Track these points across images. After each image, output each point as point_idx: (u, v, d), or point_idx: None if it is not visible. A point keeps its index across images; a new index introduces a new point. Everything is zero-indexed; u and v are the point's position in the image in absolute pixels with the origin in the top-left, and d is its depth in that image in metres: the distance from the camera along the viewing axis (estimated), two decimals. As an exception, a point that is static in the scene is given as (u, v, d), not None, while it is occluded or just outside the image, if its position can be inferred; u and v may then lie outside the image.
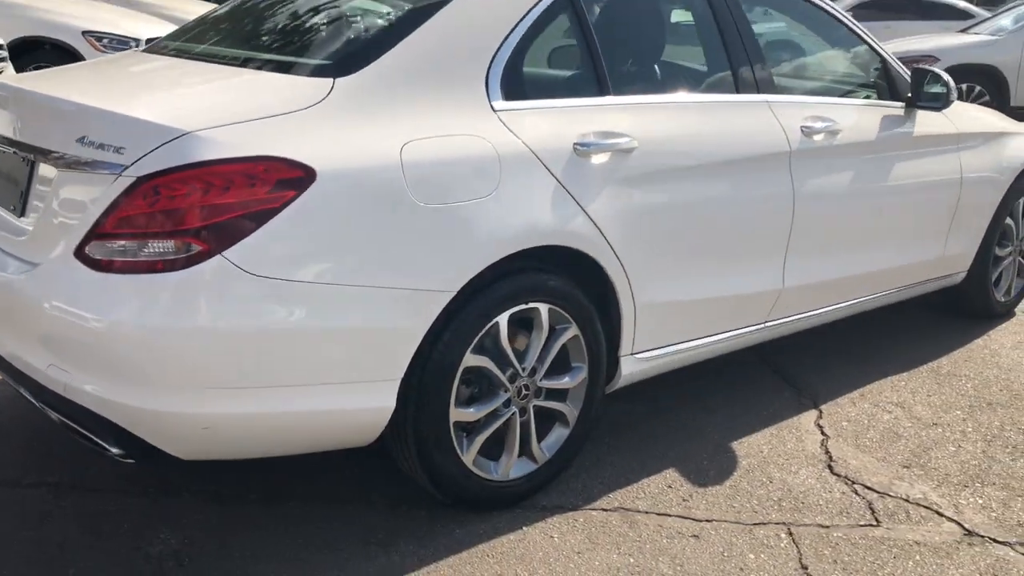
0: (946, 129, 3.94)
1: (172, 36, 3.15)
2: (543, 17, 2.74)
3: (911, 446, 3.24)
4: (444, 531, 2.60)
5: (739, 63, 3.19)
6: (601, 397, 2.91)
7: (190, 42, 2.98)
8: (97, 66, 3.18)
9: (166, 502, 2.68)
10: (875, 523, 2.76)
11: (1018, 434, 3.37)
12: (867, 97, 3.77)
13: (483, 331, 2.52)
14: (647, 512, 2.75)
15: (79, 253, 2.18)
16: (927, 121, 3.84)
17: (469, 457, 2.59)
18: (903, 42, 12.21)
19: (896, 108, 3.73)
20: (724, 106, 3.13)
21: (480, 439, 2.61)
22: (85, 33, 7.99)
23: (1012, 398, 3.67)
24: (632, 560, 2.52)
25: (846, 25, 3.70)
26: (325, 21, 2.88)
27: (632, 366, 2.96)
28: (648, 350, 3.00)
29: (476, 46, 2.59)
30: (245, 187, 2.14)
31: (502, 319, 2.55)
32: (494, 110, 2.54)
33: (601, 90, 2.82)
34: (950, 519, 2.80)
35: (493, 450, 2.69)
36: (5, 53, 6.91)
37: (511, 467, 2.70)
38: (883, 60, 3.77)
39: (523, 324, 2.66)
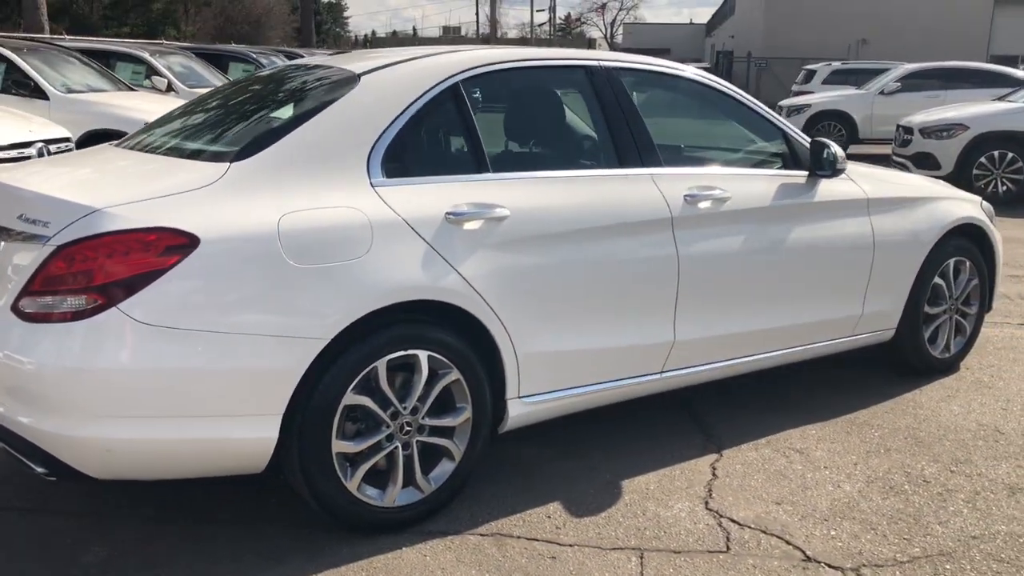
0: (855, 195, 4.25)
1: (136, 132, 3.73)
2: (425, 109, 3.22)
3: (792, 486, 3.50)
4: (332, 550, 2.99)
5: (622, 141, 3.60)
6: (488, 435, 3.28)
7: (142, 135, 3.55)
8: (67, 159, 3.78)
9: (108, 520, 3.15)
10: (725, 550, 3.04)
11: (901, 477, 3.60)
12: (770, 167, 4.11)
13: (363, 374, 2.94)
14: (519, 537, 3.10)
15: (14, 307, 2.70)
16: (833, 189, 4.16)
17: (353, 485, 2.99)
18: (939, 111, 12.37)
19: (796, 176, 4.06)
20: (603, 178, 3.53)
21: (363, 469, 3.01)
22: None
23: (913, 445, 3.90)
24: None
25: (747, 105, 4.09)
26: (238, 117, 3.42)
27: (520, 408, 3.34)
28: (536, 395, 3.37)
29: (360, 134, 3.07)
30: (140, 252, 2.64)
31: (380, 364, 2.97)
32: (373, 187, 3.01)
33: (479, 168, 3.26)
34: (796, 547, 3.06)
35: (381, 479, 3.08)
36: (72, 145, 7.85)
37: (396, 495, 3.09)
38: (784, 134, 4.13)
39: (407, 368, 3.07)
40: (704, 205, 3.70)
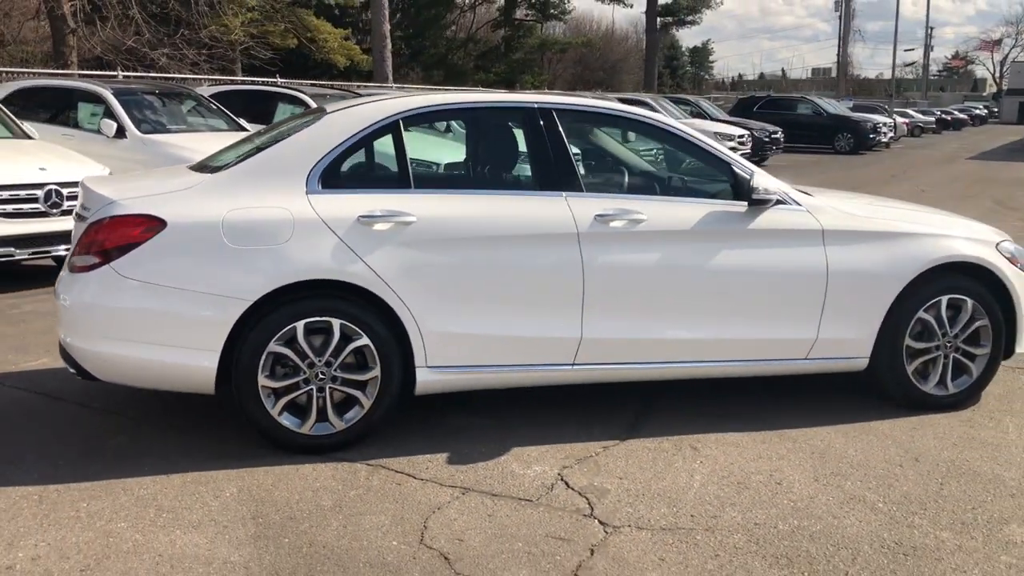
0: (806, 226, 4.58)
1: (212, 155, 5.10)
2: (364, 138, 4.25)
3: (653, 471, 4.02)
4: (258, 457, 4.07)
5: (543, 169, 4.36)
6: (397, 392, 4.20)
7: (207, 158, 4.90)
8: (145, 172, 5.26)
9: (137, 422, 4.50)
10: (532, 500, 3.71)
11: (763, 478, 3.96)
12: (710, 197, 4.59)
13: (284, 330, 4.01)
14: (392, 470, 3.98)
15: (69, 264, 4.13)
16: (778, 219, 4.54)
17: (275, 412, 4.07)
18: None
19: (732, 206, 4.52)
20: (517, 198, 4.31)
21: (282, 401, 4.07)
22: None
23: (816, 458, 4.19)
24: (340, 488, 3.79)
25: (692, 142, 4.63)
26: (247, 145, 4.63)
27: (427, 375, 4.22)
28: (443, 366, 4.23)
29: (307, 156, 4.17)
30: (129, 229, 3.95)
31: (300, 325, 4.03)
32: (306, 195, 4.09)
33: (403, 185, 4.23)
34: (590, 507, 3.65)
35: (302, 412, 4.12)
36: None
37: (311, 426, 4.11)
38: (730, 167, 4.59)
39: (325, 331, 4.09)
40: (616, 224, 4.34)
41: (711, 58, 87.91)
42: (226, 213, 4.00)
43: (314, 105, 11.76)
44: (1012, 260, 4.94)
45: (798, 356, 4.67)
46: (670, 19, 43.87)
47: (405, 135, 4.31)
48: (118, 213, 4.00)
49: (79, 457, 4.07)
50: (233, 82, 16.72)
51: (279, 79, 18.87)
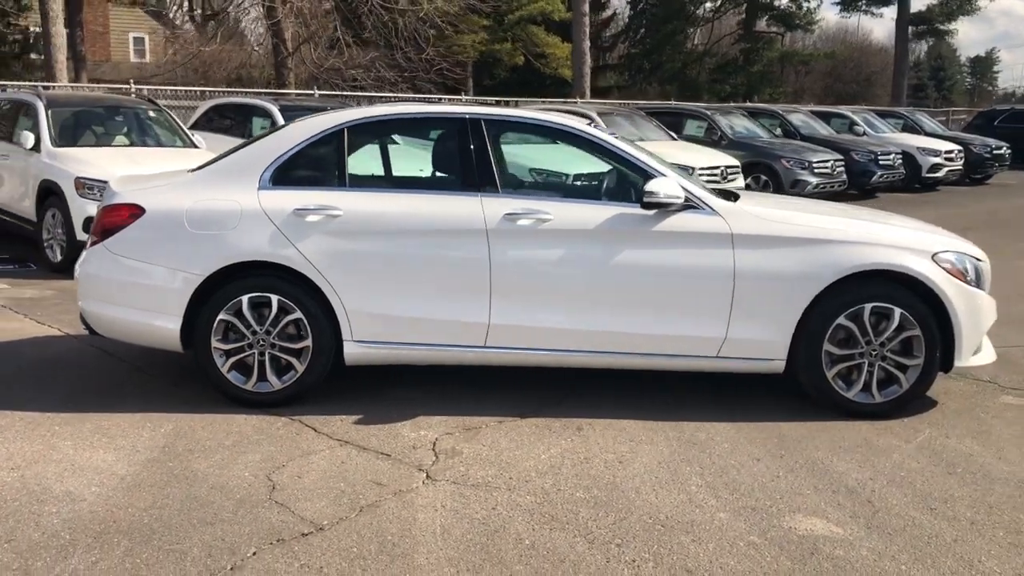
0: (714, 229, 4.82)
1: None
2: (312, 144, 5.01)
3: (520, 444, 4.48)
4: (207, 405, 4.93)
5: (466, 173, 4.92)
6: (327, 361, 4.91)
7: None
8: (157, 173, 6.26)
9: (149, 373, 5.51)
10: (388, 455, 4.30)
11: (600, 466, 4.31)
12: (623, 200, 4.92)
13: (231, 302, 4.86)
14: (307, 426, 4.70)
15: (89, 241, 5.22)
16: (684, 222, 4.82)
17: (224, 370, 4.92)
18: None
19: (636, 208, 4.84)
20: (436, 197, 4.90)
21: (230, 361, 4.91)
22: None
23: (685, 446, 4.46)
24: (249, 433, 4.57)
25: (611, 151, 5.01)
26: (229, 149, 5.51)
27: (354, 348, 4.92)
28: (367, 341, 4.91)
29: (263, 158, 5.00)
30: (120, 214, 4.95)
31: (244, 299, 4.86)
32: (257, 191, 4.92)
33: (340, 185, 4.95)
34: (419, 463, 4.18)
35: (248, 371, 4.94)
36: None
37: (253, 384, 4.93)
38: (641, 173, 4.91)
39: (266, 305, 4.89)
40: (523, 222, 4.82)
41: (995, 68, 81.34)
42: (190, 204, 4.91)
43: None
44: (952, 271, 4.88)
45: (708, 354, 4.90)
46: (924, 27, 41.28)
47: (349, 141, 5.03)
48: (114, 201, 5.03)
49: (83, 394, 5.12)
50: (398, 98, 18.05)
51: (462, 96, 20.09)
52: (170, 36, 35.91)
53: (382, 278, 4.85)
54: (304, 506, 3.75)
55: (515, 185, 5.11)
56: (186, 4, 40.24)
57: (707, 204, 4.90)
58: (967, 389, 5.49)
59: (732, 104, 21.96)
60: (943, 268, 4.86)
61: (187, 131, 10.49)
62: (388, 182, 5.22)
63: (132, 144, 10.03)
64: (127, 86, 16.58)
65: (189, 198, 4.95)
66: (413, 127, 5.38)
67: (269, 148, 5.07)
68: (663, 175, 4.92)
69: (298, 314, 4.87)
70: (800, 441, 4.56)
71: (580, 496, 3.89)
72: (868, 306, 4.83)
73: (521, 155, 5.55)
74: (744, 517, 3.71)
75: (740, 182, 14.47)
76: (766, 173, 15.56)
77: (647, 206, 4.79)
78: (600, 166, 5.18)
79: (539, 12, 31.36)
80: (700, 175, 13.82)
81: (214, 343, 4.89)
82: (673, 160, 13.57)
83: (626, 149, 5.05)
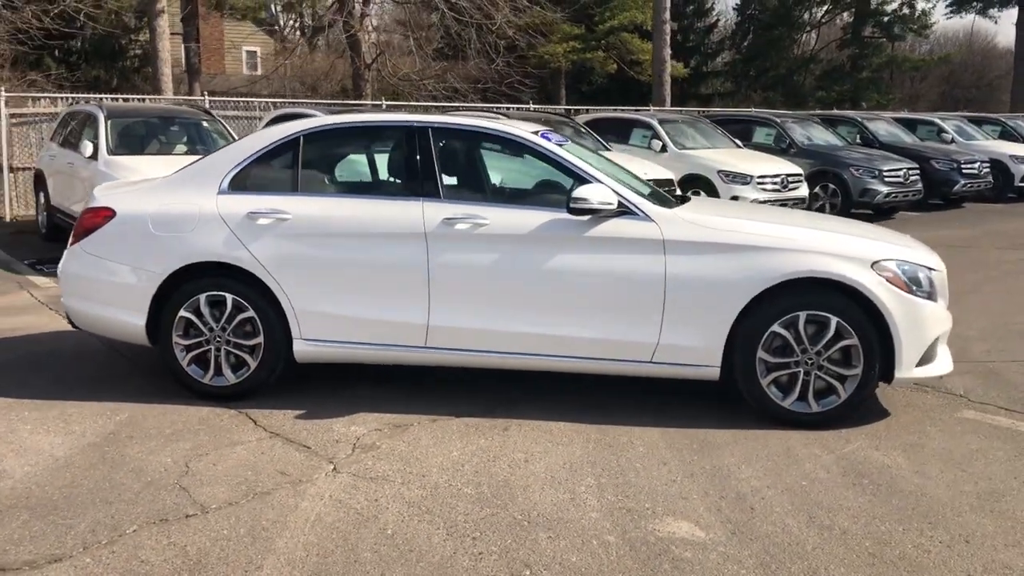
0: (646, 235, 4.86)
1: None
2: (269, 152, 5.29)
3: (443, 444, 4.63)
4: (171, 398, 5.26)
5: (410, 180, 5.11)
6: (277, 357, 5.17)
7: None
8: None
9: (141, 366, 5.89)
10: (308, 448, 4.51)
11: (502, 467, 4.42)
12: (559, 206, 4.99)
13: (190, 300, 5.17)
14: (249, 417, 4.97)
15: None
16: (616, 228, 4.88)
17: (184, 363, 5.23)
18: None
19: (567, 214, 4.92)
20: (381, 203, 5.09)
21: (190, 355, 5.22)
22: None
23: (595, 439, 4.53)
24: (193, 423, 4.86)
25: (551, 157, 5.10)
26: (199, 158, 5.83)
27: (302, 346, 5.16)
28: (315, 339, 5.15)
29: (226, 164, 5.30)
30: (95, 217, 5.34)
31: (202, 297, 5.16)
32: (216, 195, 5.22)
33: (292, 190, 5.21)
34: (326, 452, 4.38)
35: (207, 366, 5.24)
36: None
37: (211, 377, 5.22)
38: (577, 180, 4.99)
39: (222, 304, 5.18)
40: (461, 227, 4.97)
41: None
42: (154, 207, 5.26)
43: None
44: (893, 280, 4.78)
45: (642, 359, 4.93)
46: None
47: (303, 149, 5.29)
48: (92, 205, 5.42)
49: (68, 383, 5.52)
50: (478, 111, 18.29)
51: (532, 105, 20.26)
52: (279, 49, 37.40)
53: (328, 279, 5.08)
54: (203, 491, 3.99)
55: (460, 191, 5.27)
56: (296, 19, 41.79)
57: (641, 210, 4.94)
58: (931, 402, 5.35)
59: (806, 112, 21.45)
60: (882, 276, 4.77)
61: (232, 134, 11.03)
62: (338, 187, 5.45)
63: (188, 152, 10.61)
64: (201, 98, 17.45)
65: (155, 202, 5.29)
66: (364, 135, 5.58)
67: (231, 155, 5.37)
68: (597, 181, 4.98)
69: (251, 312, 5.14)
70: (719, 448, 4.56)
71: (467, 492, 4.01)
72: (803, 314, 4.78)
73: (479, 163, 5.68)
74: (614, 518, 3.76)
75: (803, 191, 14.22)
76: (834, 182, 15.19)
77: (574, 211, 4.86)
78: (551, 174, 5.26)
79: (628, 21, 31.26)
80: (758, 184, 13.69)
81: (175, 338, 5.21)
82: (731, 168, 13.95)
83: (564, 156, 5.13)
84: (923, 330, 4.84)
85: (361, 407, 5.10)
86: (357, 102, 18.07)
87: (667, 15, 21.35)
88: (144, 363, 5.95)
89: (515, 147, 5.31)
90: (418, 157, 5.16)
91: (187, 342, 5.22)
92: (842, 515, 3.81)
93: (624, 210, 4.93)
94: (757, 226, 4.99)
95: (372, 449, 4.51)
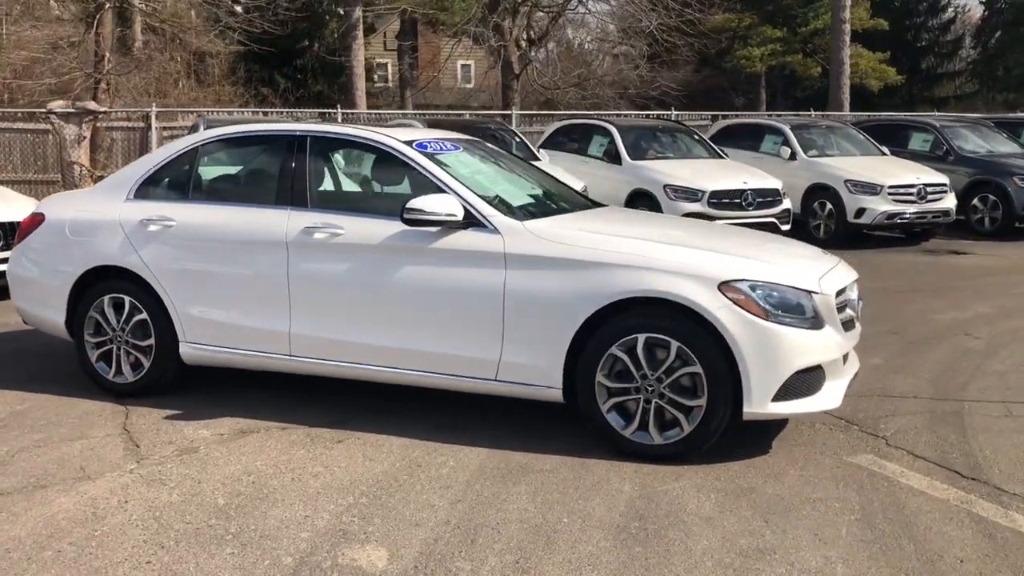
0: (487, 248, 4.63)
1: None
2: (170, 161, 5.52)
3: (262, 448, 4.64)
4: (85, 392, 5.60)
5: (282, 189, 5.16)
6: (166, 358, 5.38)
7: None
8: None
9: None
10: (138, 446, 4.67)
11: (398, 480, 4.36)
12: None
13: (96, 302, 5.50)
14: (164, 418, 5.21)
15: (32, 245, 6.15)
16: (460, 240, 4.68)
17: (93, 360, 5.56)
18: None
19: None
20: (253, 211, 5.17)
21: (97, 353, 5.54)
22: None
23: (422, 455, 4.38)
24: (81, 416, 5.16)
25: (416, 168, 4.98)
26: None
27: (187, 349, 5.35)
28: (197, 343, 5.32)
29: (135, 173, 5.60)
30: (31, 222, 5.81)
31: (105, 299, 5.48)
32: (123, 203, 5.52)
33: (184, 198, 5.42)
34: (178, 450, 4.50)
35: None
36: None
37: (113, 375, 5.52)
38: (438, 191, 4.82)
39: (122, 306, 5.47)
40: (318, 236, 4.96)
41: None
42: (72, 214, 5.64)
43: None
44: (744, 303, 4.27)
45: (487, 376, 4.70)
46: None
47: (200, 158, 5.49)
48: (33, 210, 5.90)
49: (35, 381, 5.94)
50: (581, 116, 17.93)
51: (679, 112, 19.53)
52: (491, 63, 38.54)
53: (203, 284, 5.23)
54: (1, 479, 4.24)
55: (330, 200, 5.24)
56: (512, 32, 42.83)
57: (491, 222, 4.71)
58: (840, 440, 4.72)
59: (978, 115, 19.22)
60: (728, 298, 4.26)
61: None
62: (221, 196, 5.58)
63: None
64: (369, 112, 18.36)
65: (74, 208, 5.68)
66: (255, 144, 5.68)
67: (142, 164, 5.67)
68: (450, 192, 4.80)
69: (144, 315, 5.39)
70: (531, 474, 4.26)
71: (217, 503, 3.99)
72: (642, 336, 4.37)
73: (351, 172, 5.64)
74: (323, 539, 3.63)
75: (947, 203, 12.94)
76: (995, 193, 13.60)
77: (407, 222, 4.71)
78: (423, 184, 5.11)
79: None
80: (889, 194, 12.61)
81: (86, 336, 5.56)
82: (859, 178, 12.71)
83: (426, 165, 4.98)
84: (778, 360, 4.27)
85: (229, 411, 5.20)
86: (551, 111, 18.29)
87: (846, 14, 20.01)
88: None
89: (384, 156, 5.23)
90: (292, 165, 5.20)
91: (95, 340, 5.55)
92: (560, 539, 3.45)
93: (472, 221, 4.72)
94: (606, 241, 4.61)
95: (190, 452, 4.59)
